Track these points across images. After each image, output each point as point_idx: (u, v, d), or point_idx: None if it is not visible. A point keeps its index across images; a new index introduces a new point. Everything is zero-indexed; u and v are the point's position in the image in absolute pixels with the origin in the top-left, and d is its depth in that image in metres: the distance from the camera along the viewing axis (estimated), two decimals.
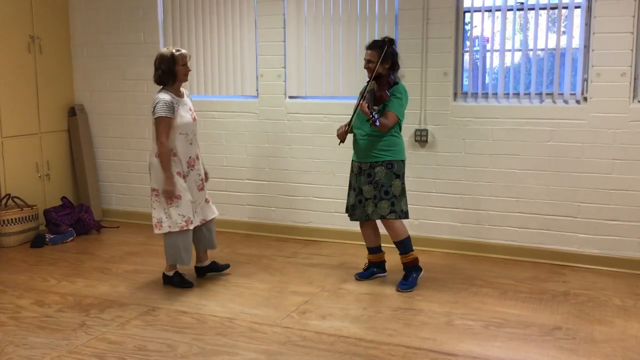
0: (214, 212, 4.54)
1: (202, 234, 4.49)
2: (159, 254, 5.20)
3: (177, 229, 4.23)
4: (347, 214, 4.51)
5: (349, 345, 3.46)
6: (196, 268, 4.61)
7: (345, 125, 4.37)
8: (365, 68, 4.27)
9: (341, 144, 4.45)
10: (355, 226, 5.41)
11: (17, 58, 5.69)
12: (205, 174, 4.54)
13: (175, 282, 4.40)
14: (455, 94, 5.06)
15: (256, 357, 3.33)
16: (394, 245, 4.36)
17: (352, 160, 4.42)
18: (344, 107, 5.35)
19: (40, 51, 5.91)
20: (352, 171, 4.42)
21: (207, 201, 4.49)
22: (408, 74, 5.05)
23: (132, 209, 6.31)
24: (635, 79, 4.56)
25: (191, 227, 4.27)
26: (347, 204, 4.49)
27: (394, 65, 4.26)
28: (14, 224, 5.44)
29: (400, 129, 4.30)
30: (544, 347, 3.44)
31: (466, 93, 5.06)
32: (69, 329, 3.70)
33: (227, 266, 4.66)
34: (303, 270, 4.76)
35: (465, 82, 5.08)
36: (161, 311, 3.96)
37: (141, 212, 6.26)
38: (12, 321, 3.82)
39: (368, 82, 4.27)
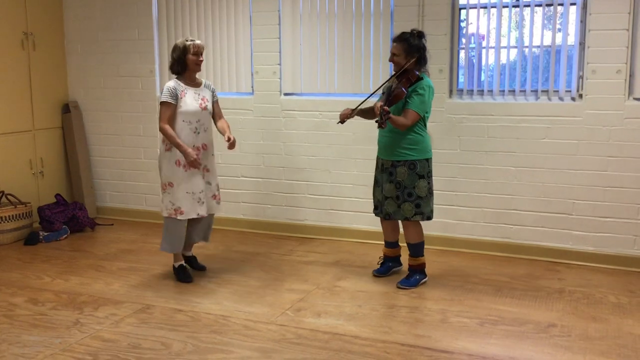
0: (218, 210, 4.54)
1: (197, 225, 4.48)
2: (153, 252, 5.19)
3: (166, 215, 4.28)
4: (374, 211, 4.43)
5: (344, 342, 3.46)
6: (186, 259, 4.63)
7: (352, 110, 4.23)
8: (390, 61, 4.21)
9: (339, 124, 4.34)
10: (350, 223, 5.42)
11: (10, 55, 5.66)
12: (232, 139, 4.31)
13: (178, 275, 4.44)
14: (450, 91, 5.05)
15: (250, 355, 3.32)
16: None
17: (378, 157, 4.36)
18: (340, 103, 5.32)
19: (34, 48, 5.88)
20: (377, 167, 4.37)
21: (214, 197, 4.46)
22: None
23: (126, 206, 6.29)
24: (630, 76, 4.56)
25: (180, 217, 4.27)
26: (374, 200, 4.43)
27: (421, 60, 4.14)
28: (8, 222, 5.41)
29: (425, 126, 4.19)
30: (539, 344, 3.44)
31: (461, 90, 5.05)
32: (63, 327, 3.69)
33: (204, 268, 4.63)
34: (298, 268, 4.75)
35: (461, 79, 5.08)
36: (155, 309, 3.95)
37: (135, 209, 6.24)
38: (6, 319, 3.80)
39: (393, 75, 4.21)
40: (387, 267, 4.54)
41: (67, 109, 6.22)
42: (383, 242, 4.59)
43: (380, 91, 4.31)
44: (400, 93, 4.02)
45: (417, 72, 4.09)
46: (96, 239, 5.67)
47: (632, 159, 4.59)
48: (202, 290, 4.27)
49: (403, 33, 4.16)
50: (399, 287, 4.27)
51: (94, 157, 6.36)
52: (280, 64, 5.51)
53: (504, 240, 5.00)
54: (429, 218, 4.25)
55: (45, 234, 5.51)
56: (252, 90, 5.65)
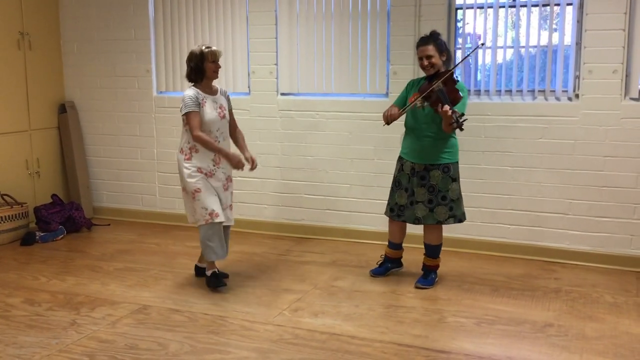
0: (231, 221, 4.40)
1: None
2: (150, 252, 5.18)
3: (203, 222, 4.15)
4: (390, 214, 4.33)
5: (341, 343, 3.45)
6: (196, 267, 4.56)
7: (400, 109, 4.13)
8: (423, 66, 4.09)
9: (385, 125, 4.20)
10: (347, 223, 5.42)
11: (6, 55, 5.64)
12: (252, 159, 4.31)
13: (211, 283, 4.26)
14: None
15: (248, 355, 3.31)
16: (411, 245, 4.34)
17: (403, 159, 4.26)
18: (336, 103, 5.34)
19: (30, 47, 5.86)
20: (401, 170, 4.25)
21: (230, 207, 4.38)
22: (400, 71, 5.05)
23: (123, 206, 6.28)
24: (626, 76, 4.57)
25: (217, 219, 4.13)
26: (391, 203, 4.31)
27: (450, 58, 4.13)
28: (4, 222, 5.40)
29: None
30: (536, 344, 3.44)
31: None
32: (59, 327, 3.68)
33: (226, 276, 4.45)
34: (295, 268, 4.75)
35: (458, 78, 5.06)
36: (152, 309, 3.94)
37: (132, 209, 6.23)
38: (2, 320, 3.79)
39: (423, 79, 4.16)
40: (385, 268, 4.53)
41: (64, 109, 6.20)
42: (381, 242, 4.60)
43: (419, 92, 4.12)
44: (458, 97, 3.94)
45: (455, 75, 4.00)
46: (93, 239, 5.66)
47: (629, 159, 4.60)
48: (199, 291, 4.26)
49: (430, 34, 4.11)
50: (417, 287, 4.26)
51: (91, 157, 6.35)
52: (276, 64, 5.50)
53: (501, 240, 5.01)
54: (461, 220, 4.23)
55: (42, 234, 5.50)
56: (249, 90, 5.65)
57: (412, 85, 4.30)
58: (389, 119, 4.13)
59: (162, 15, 5.86)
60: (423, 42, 4.10)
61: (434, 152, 4.12)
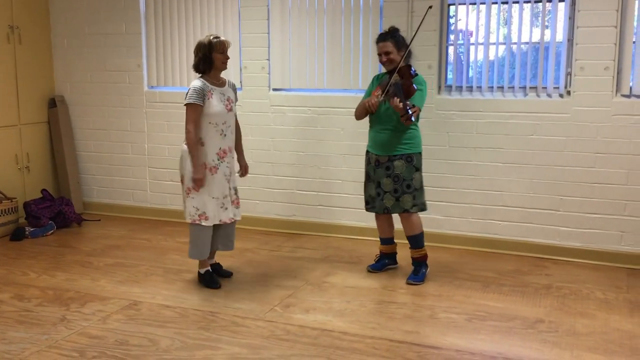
0: (239, 214, 4.33)
1: (219, 232, 4.26)
2: (140, 248, 5.16)
3: (190, 221, 4.10)
4: (366, 207, 4.43)
5: (332, 339, 3.45)
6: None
7: (379, 96, 4.13)
8: (382, 62, 4.17)
9: (369, 113, 4.25)
10: (339, 219, 5.42)
11: None
12: (245, 167, 4.36)
13: (204, 281, 4.23)
14: (439, 87, 5.05)
15: (239, 351, 3.30)
16: (402, 241, 4.36)
17: (369, 152, 4.34)
18: (329, 99, 5.33)
19: (20, 41, 5.81)
20: (368, 163, 4.35)
21: (233, 202, 4.28)
22: None
23: (113, 201, 6.25)
24: (618, 72, 4.58)
25: (204, 223, 4.07)
26: (365, 196, 4.42)
27: (409, 54, 4.18)
28: None
29: (417, 121, 4.20)
30: (527, 340, 3.45)
31: (450, 86, 5.06)
32: (49, 323, 3.65)
33: (230, 274, 4.44)
34: (287, 264, 4.74)
35: (450, 75, 5.08)
36: (143, 305, 3.92)
37: (123, 205, 6.20)
38: None
39: (386, 73, 4.20)
40: (382, 264, 4.55)
41: (54, 104, 6.16)
42: (372, 238, 4.62)
43: (383, 87, 4.16)
44: (412, 89, 4.00)
45: (413, 69, 4.06)
46: (83, 234, 5.62)
47: (620, 156, 4.61)
48: (189, 286, 4.25)
49: (388, 31, 4.18)
50: (409, 283, 4.28)
51: (81, 152, 6.31)
52: (268, 59, 5.48)
53: (492, 236, 5.02)
54: (423, 209, 4.28)
55: (31, 229, 5.46)
56: (241, 85, 5.62)
57: (377, 79, 4.37)
58: (372, 108, 4.14)
59: (154, 10, 5.82)
60: (382, 38, 4.17)
61: (394, 143, 4.18)
